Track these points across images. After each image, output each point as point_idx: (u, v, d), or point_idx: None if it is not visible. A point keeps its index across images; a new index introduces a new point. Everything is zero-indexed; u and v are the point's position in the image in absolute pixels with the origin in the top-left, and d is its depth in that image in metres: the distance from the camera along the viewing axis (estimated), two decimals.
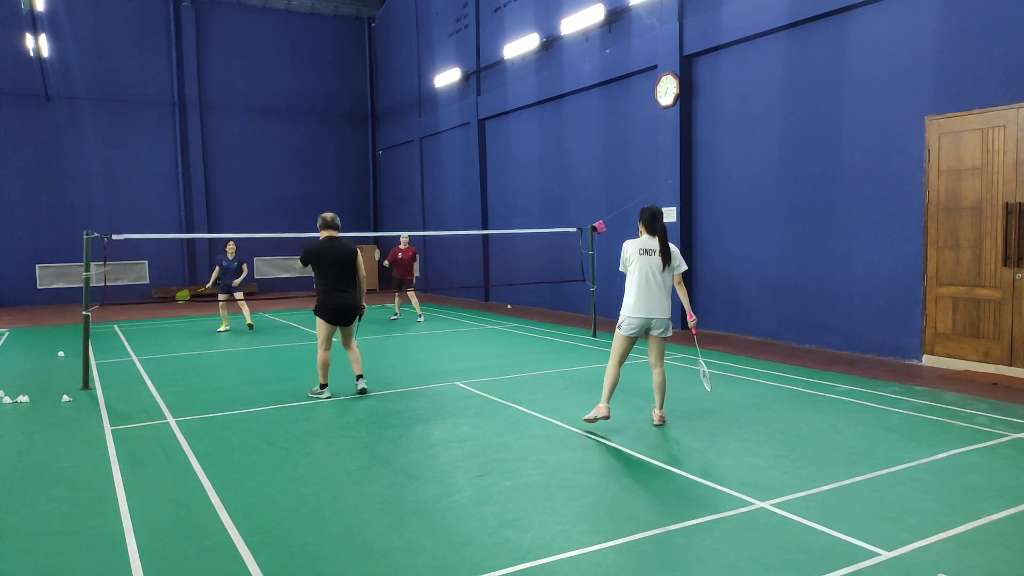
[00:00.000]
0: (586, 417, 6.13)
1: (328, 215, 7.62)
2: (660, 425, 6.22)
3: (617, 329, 6.14)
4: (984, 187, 8.21)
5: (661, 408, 6.29)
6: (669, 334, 6.08)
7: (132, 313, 17.14)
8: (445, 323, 14.23)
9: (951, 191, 8.52)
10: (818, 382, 7.88)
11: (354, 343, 7.76)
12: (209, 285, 13.84)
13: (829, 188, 9.94)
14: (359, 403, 7.33)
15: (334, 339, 7.63)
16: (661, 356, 6.18)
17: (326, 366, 7.57)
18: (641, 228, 6.14)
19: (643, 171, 13.15)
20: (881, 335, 9.36)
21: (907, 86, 8.91)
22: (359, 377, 7.73)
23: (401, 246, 14.44)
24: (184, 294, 14.17)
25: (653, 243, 6.04)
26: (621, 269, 6.21)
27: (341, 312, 7.43)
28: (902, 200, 9.04)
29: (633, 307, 5.99)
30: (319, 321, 7.48)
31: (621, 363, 6.15)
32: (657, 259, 5.99)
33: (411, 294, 14.54)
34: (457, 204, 20.05)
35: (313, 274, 7.48)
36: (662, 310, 6.00)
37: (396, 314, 15.02)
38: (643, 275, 5.96)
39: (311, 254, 7.40)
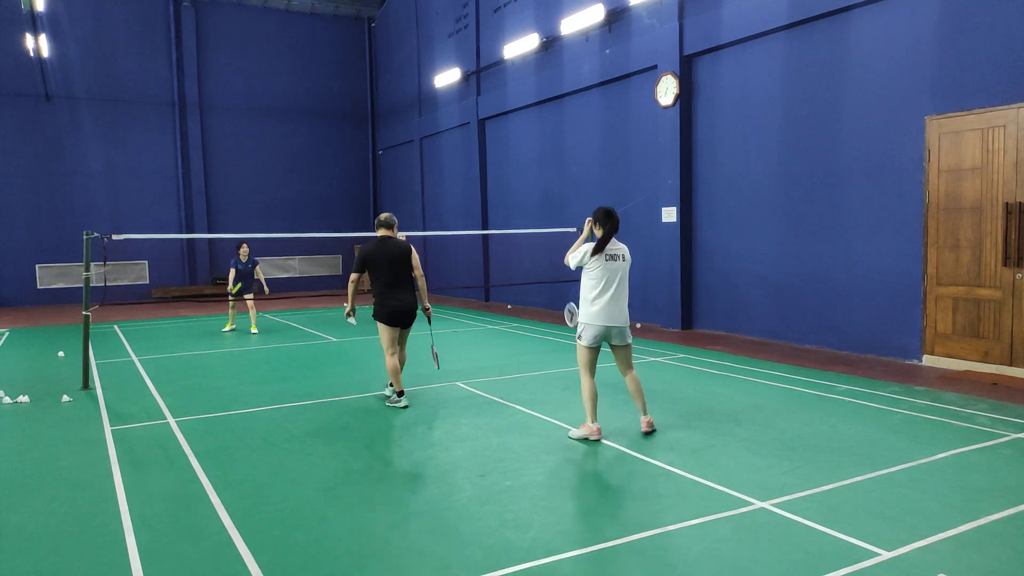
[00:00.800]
0: (576, 436, 5.83)
1: (384, 215, 7.31)
2: (650, 432, 5.94)
3: (577, 340, 5.84)
4: (984, 187, 8.21)
5: (647, 414, 5.99)
6: (630, 339, 5.93)
7: (132, 313, 17.14)
8: (445, 323, 14.22)
9: (951, 191, 8.52)
10: (818, 382, 7.88)
11: (404, 349, 7.43)
12: (233, 290, 13.16)
13: (829, 188, 9.94)
14: (360, 403, 7.33)
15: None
16: (630, 361, 5.96)
17: (397, 371, 7.14)
18: (597, 230, 5.85)
19: (643, 171, 13.15)
20: (881, 335, 9.36)
21: (907, 86, 8.91)
22: (389, 385, 7.42)
23: None
24: (228, 326, 13.62)
25: (617, 248, 5.83)
26: (574, 264, 5.86)
27: (398, 314, 7.10)
28: (902, 200, 9.04)
29: (595, 315, 5.72)
30: (380, 326, 7.14)
31: (593, 374, 5.86)
32: (622, 264, 5.81)
33: None
34: (457, 204, 20.05)
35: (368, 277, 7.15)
36: (623, 318, 5.82)
37: None
38: (609, 282, 5.74)
39: (364, 255, 7.09)
